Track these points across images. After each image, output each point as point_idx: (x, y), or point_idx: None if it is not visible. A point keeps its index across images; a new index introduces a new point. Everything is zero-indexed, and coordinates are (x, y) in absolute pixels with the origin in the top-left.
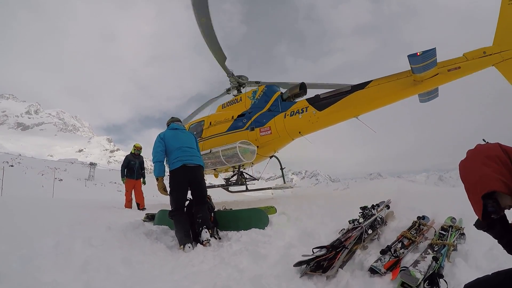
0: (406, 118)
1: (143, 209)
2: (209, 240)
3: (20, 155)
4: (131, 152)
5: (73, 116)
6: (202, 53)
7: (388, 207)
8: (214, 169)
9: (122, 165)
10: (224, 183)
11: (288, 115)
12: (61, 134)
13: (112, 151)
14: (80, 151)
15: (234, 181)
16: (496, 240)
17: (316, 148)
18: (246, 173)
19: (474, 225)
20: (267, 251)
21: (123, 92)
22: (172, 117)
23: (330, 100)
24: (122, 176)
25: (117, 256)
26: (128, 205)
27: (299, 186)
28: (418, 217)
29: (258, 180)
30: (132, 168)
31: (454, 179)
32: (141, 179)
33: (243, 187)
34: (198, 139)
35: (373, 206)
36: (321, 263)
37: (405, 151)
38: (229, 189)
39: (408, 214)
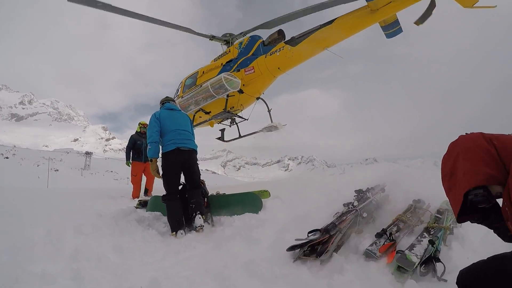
0: (401, 104)
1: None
2: (203, 226)
3: (15, 146)
4: (136, 131)
5: (68, 105)
6: (197, 40)
7: (383, 190)
8: (208, 113)
9: (127, 146)
10: (220, 135)
11: (268, 55)
12: (56, 124)
13: (107, 140)
14: (76, 140)
15: (226, 120)
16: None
17: (313, 134)
18: (236, 116)
19: (456, 220)
20: (261, 235)
21: (118, 79)
22: (167, 97)
23: (302, 37)
24: (128, 158)
25: (107, 243)
26: (137, 194)
27: (285, 124)
28: (414, 201)
29: (247, 119)
30: (139, 149)
31: None
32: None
33: (236, 135)
34: (193, 87)
35: (368, 190)
36: (315, 247)
37: (401, 137)
38: (224, 139)
39: (404, 198)
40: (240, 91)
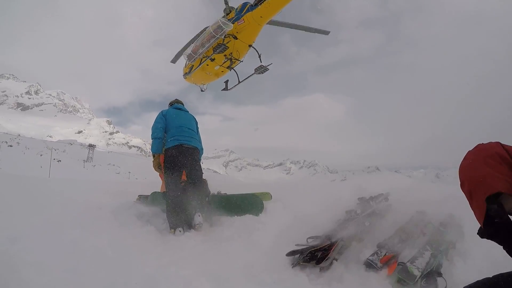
0: (406, 113)
1: None
2: (201, 224)
3: (19, 135)
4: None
5: (73, 97)
6: None
7: (386, 199)
8: (213, 60)
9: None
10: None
11: (254, 10)
12: (61, 115)
13: (111, 133)
14: (80, 132)
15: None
16: (502, 246)
17: (316, 138)
18: (235, 59)
19: (477, 233)
20: (260, 238)
21: (125, 75)
22: (176, 99)
23: None
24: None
25: (105, 237)
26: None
27: (271, 63)
28: (417, 212)
29: (242, 61)
30: None
31: (451, 177)
32: None
33: (236, 82)
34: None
35: (371, 198)
36: (315, 253)
37: (404, 147)
38: (228, 88)
39: (407, 208)
40: (235, 37)
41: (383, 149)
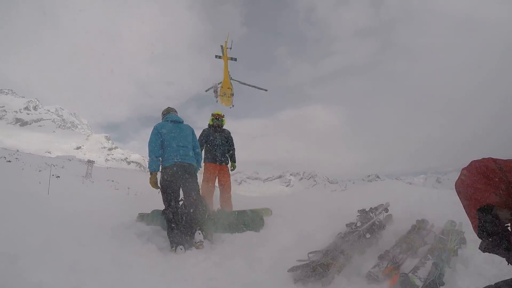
0: (403, 120)
1: None
2: (202, 242)
3: (18, 150)
4: (209, 125)
5: (72, 113)
6: (202, 53)
7: (386, 210)
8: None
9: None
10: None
11: None
12: (60, 131)
13: (110, 149)
14: (78, 148)
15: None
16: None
17: (315, 149)
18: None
19: (479, 248)
20: (262, 254)
21: (123, 90)
22: (168, 107)
23: None
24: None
25: (106, 256)
26: (210, 206)
27: (267, 89)
28: (418, 221)
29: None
30: (212, 147)
31: (452, 181)
32: (229, 164)
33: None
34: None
35: (371, 209)
36: (317, 268)
37: (403, 153)
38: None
39: (407, 218)
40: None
41: (383, 157)
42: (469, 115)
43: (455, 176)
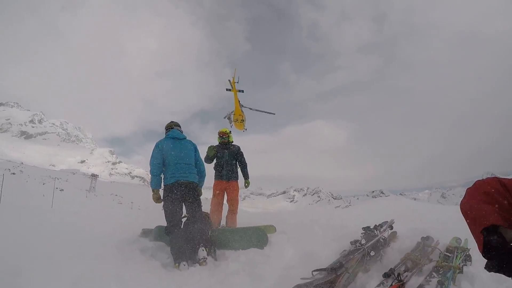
0: (408, 135)
1: None
2: (206, 258)
3: (22, 163)
4: (219, 143)
5: (77, 127)
6: (206, 69)
7: (391, 227)
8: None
9: (206, 157)
10: None
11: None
12: (64, 144)
13: (114, 163)
14: (82, 162)
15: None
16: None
17: (319, 165)
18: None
19: (485, 268)
20: (265, 272)
21: (128, 105)
22: (171, 121)
23: None
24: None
25: (110, 272)
26: (217, 222)
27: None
28: (422, 238)
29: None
30: (219, 164)
31: (457, 196)
32: (238, 180)
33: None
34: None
35: (375, 227)
36: (321, 286)
37: (407, 168)
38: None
39: (412, 235)
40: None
41: (387, 172)
42: (473, 129)
43: (460, 191)
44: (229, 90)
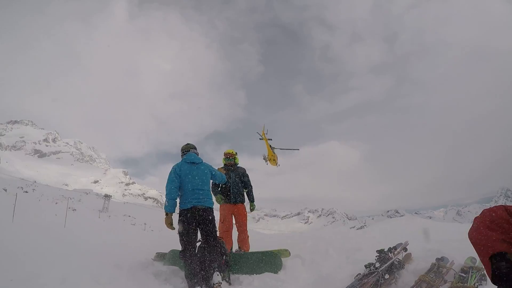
0: (421, 154)
1: None
2: (220, 283)
3: (35, 181)
4: (224, 164)
5: (90, 147)
6: (220, 91)
7: (405, 249)
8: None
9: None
10: None
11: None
12: (78, 164)
13: (127, 184)
14: (96, 182)
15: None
16: None
17: (333, 185)
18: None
19: None
20: None
21: (142, 126)
22: (188, 144)
23: None
24: (215, 194)
25: None
26: (228, 247)
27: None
28: (437, 259)
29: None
30: (226, 186)
31: (473, 213)
32: (244, 203)
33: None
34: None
35: (390, 249)
36: None
37: (422, 187)
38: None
39: (427, 256)
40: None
41: (402, 191)
42: (487, 144)
43: (476, 207)
44: (261, 139)
